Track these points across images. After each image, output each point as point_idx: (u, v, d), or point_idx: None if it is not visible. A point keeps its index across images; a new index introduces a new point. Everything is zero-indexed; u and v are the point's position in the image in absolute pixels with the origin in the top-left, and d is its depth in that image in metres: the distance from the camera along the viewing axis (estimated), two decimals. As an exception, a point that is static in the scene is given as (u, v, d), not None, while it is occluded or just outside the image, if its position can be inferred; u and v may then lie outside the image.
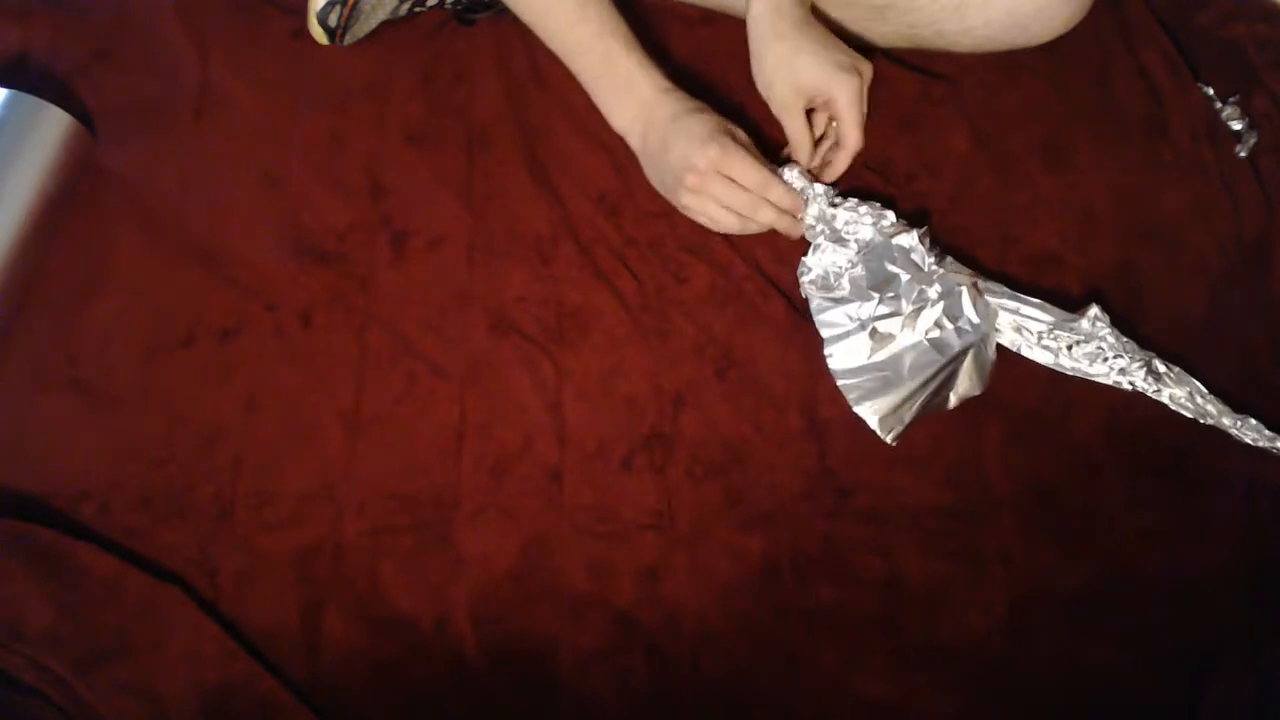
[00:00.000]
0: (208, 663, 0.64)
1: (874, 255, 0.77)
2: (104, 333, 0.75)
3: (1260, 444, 0.74)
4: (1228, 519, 0.74)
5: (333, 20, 0.83)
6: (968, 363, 0.74)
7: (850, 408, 0.74)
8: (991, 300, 0.76)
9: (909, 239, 0.77)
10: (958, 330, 0.75)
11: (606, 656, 0.68)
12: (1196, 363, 0.78)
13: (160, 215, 0.80)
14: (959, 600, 0.70)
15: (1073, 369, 0.76)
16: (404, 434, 0.73)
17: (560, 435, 0.74)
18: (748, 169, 0.75)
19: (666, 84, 0.79)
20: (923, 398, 0.74)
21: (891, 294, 0.76)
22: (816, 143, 0.81)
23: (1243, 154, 0.89)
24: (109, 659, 0.64)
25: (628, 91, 0.79)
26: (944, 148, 0.87)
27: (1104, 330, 0.76)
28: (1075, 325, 0.76)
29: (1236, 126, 0.90)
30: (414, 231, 0.80)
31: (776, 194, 0.77)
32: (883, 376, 0.74)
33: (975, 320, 0.75)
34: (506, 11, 0.84)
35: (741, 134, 0.78)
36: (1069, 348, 0.76)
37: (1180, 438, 0.76)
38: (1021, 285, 0.79)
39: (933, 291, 0.75)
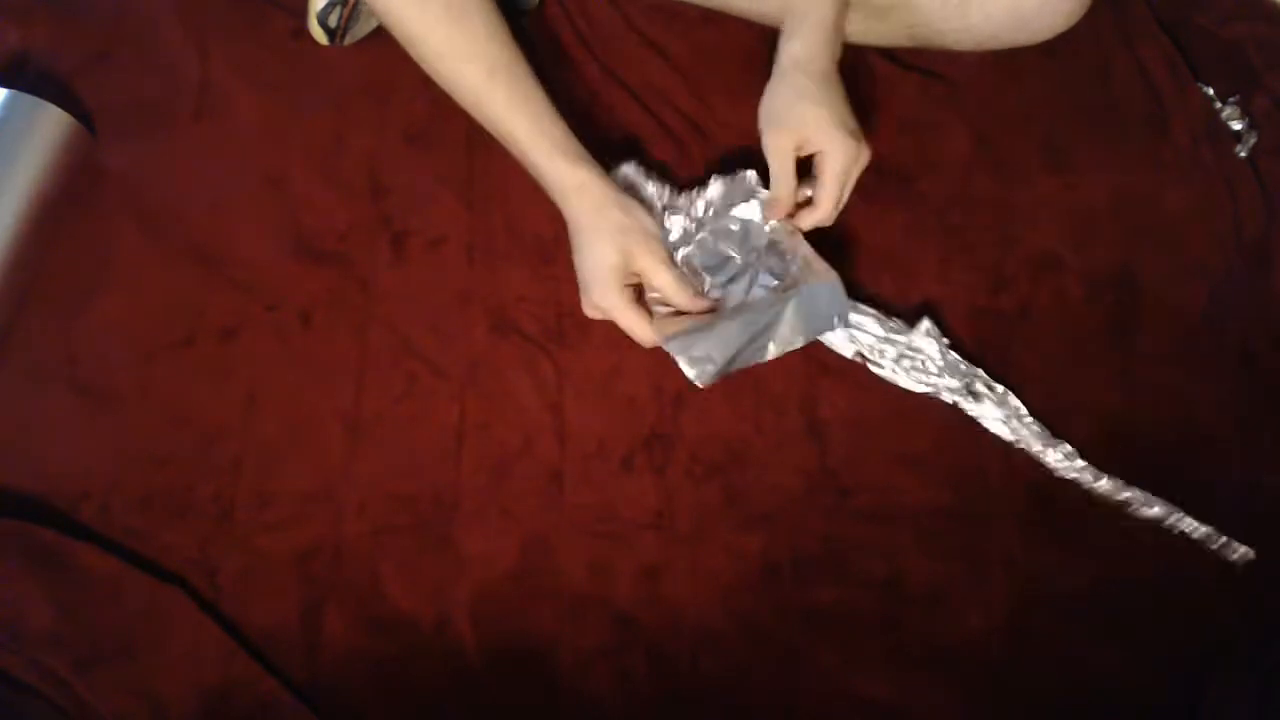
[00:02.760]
0: (208, 663, 0.64)
1: (709, 238, 0.77)
2: (104, 333, 0.75)
3: (1071, 475, 0.74)
4: (1227, 519, 0.74)
5: (333, 21, 0.83)
6: (788, 312, 0.71)
7: (848, 407, 0.75)
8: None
9: (747, 210, 0.77)
10: (776, 279, 0.74)
11: (606, 656, 0.68)
12: (1196, 362, 0.78)
13: (160, 215, 0.80)
14: (959, 600, 0.70)
15: (905, 385, 0.76)
16: (404, 434, 0.73)
17: (560, 435, 0.74)
18: (634, 327, 0.72)
19: (574, 175, 0.73)
20: (739, 343, 0.71)
21: (727, 272, 0.76)
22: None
23: (1243, 154, 0.89)
24: (109, 659, 0.64)
25: (540, 178, 0.75)
26: (944, 148, 0.87)
27: (933, 348, 0.76)
28: (906, 339, 0.76)
29: (1236, 126, 0.90)
30: (414, 231, 0.80)
31: (662, 341, 0.73)
32: (698, 324, 0.72)
33: (795, 269, 0.74)
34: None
35: (645, 252, 0.73)
36: (896, 360, 0.76)
37: (1179, 440, 0.76)
38: (1021, 290, 0.79)
39: (752, 252, 0.75)
